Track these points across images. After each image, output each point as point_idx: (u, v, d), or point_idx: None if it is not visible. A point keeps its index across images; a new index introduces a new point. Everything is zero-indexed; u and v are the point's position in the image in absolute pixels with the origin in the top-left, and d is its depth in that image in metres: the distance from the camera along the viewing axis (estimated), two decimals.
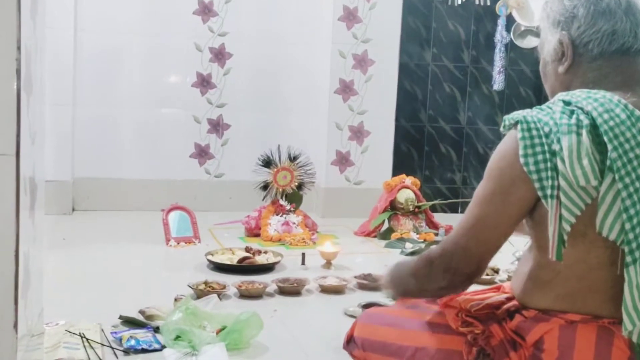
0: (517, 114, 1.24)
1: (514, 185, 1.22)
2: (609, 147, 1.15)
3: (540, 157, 1.19)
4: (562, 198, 1.17)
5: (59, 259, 3.03)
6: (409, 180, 3.98)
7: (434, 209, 4.14)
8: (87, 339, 2.04)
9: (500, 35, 4.36)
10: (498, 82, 4.42)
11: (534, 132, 1.20)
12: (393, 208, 3.91)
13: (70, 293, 2.62)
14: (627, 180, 1.14)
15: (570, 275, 1.23)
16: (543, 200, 1.19)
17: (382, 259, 3.39)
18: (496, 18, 4.41)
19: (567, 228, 1.17)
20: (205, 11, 4.28)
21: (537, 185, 1.18)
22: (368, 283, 2.81)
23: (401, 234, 3.77)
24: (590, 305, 1.22)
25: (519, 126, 1.22)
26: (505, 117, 1.27)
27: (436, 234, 3.81)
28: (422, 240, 3.69)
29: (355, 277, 2.88)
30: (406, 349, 1.40)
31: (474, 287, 1.40)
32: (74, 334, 2.07)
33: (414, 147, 4.70)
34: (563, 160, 1.16)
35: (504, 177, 1.24)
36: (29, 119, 1.67)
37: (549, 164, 1.18)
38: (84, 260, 3.12)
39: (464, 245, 1.28)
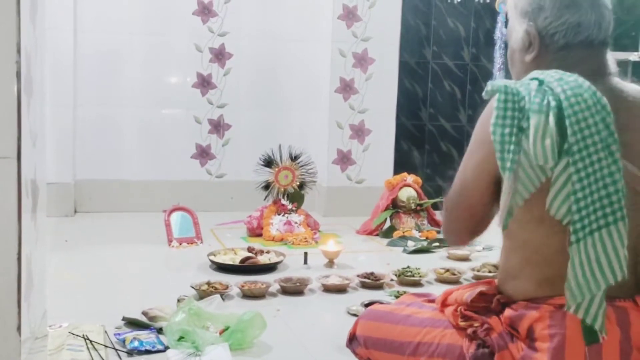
0: (499, 83, 1.27)
1: (484, 149, 1.27)
2: (569, 131, 1.18)
3: (507, 130, 1.22)
4: (520, 173, 1.21)
5: (62, 261, 3.03)
6: (410, 178, 3.98)
7: (435, 206, 4.12)
8: (91, 341, 2.04)
9: (500, 33, 4.36)
10: (498, 79, 4.41)
11: (509, 105, 1.23)
12: (395, 206, 3.91)
13: (73, 295, 2.62)
14: (579, 165, 1.17)
15: (539, 260, 1.27)
16: (501, 171, 1.22)
17: (385, 258, 3.39)
18: (496, 15, 4.40)
19: (520, 202, 1.23)
20: (205, 11, 4.28)
21: (498, 155, 1.21)
22: (370, 282, 2.81)
23: (403, 232, 3.77)
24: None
25: (496, 96, 1.25)
26: (489, 82, 1.29)
27: (438, 232, 3.81)
28: (425, 238, 3.69)
29: (358, 275, 2.88)
30: (408, 345, 1.42)
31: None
32: (77, 335, 2.07)
33: (415, 145, 4.70)
34: (528, 138, 1.20)
35: (478, 140, 1.31)
36: (30, 121, 1.68)
37: (513, 139, 1.21)
38: (86, 262, 3.12)
39: (449, 198, 1.39)
